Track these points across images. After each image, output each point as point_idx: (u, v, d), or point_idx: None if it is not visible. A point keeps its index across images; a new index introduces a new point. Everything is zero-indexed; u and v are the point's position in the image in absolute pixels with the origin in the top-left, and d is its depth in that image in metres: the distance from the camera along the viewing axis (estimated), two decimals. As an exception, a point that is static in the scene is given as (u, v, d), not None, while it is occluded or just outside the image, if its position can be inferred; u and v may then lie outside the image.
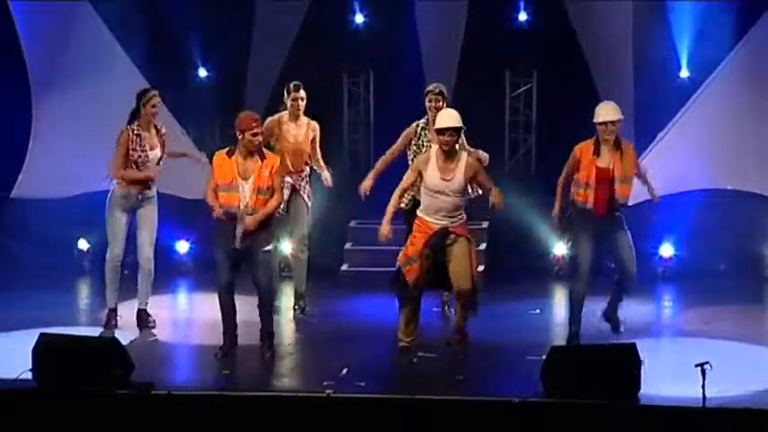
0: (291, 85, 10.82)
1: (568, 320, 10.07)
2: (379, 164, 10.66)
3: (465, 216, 9.39)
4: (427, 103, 10.45)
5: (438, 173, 9.20)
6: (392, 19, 14.34)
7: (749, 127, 13.04)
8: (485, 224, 12.88)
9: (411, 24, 14.23)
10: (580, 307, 9.95)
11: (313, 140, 10.88)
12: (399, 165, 10.43)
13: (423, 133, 10.52)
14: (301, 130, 10.82)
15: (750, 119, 13.04)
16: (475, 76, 14.03)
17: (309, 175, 10.98)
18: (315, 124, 10.93)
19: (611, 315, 10.06)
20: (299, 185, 10.83)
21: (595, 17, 13.86)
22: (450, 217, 9.25)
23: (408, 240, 9.34)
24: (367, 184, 10.52)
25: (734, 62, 13.09)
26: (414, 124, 10.60)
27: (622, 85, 13.59)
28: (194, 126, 14.17)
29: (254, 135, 9.27)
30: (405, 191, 9.61)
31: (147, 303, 10.32)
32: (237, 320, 9.51)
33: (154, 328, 10.28)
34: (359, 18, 14.65)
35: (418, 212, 9.37)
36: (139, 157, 10.11)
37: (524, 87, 14.63)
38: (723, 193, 13.15)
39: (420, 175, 9.30)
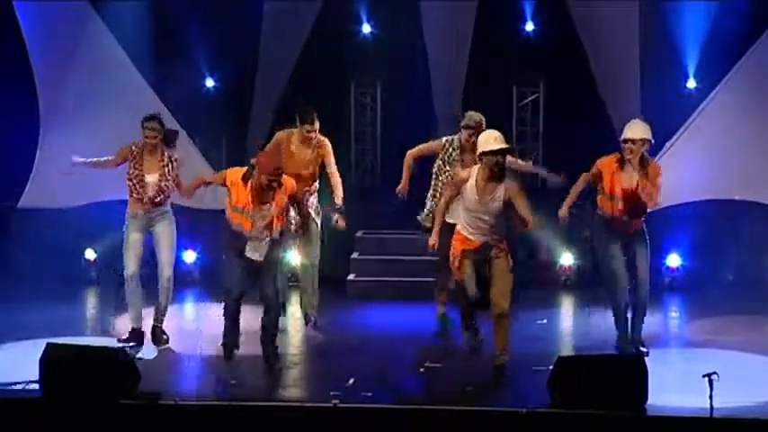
0: (305, 116, 10.51)
1: (616, 329, 9.97)
2: (406, 169, 10.61)
3: (502, 237, 9.27)
4: (462, 131, 10.34)
5: (476, 194, 9.13)
6: (399, 30, 14.34)
7: (756, 137, 13.01)
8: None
9: (418, 35, 14.23)
10: (623, 316, 9.91)
11: (324, 158, 10.65)
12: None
13: (451, 149, 10.44)
14: (309, 151, 10.62)
15: (757, 129, 13.02)
16: (482, 86, 14.02)
17: (318, 191, 10.85)
18: (324, 142, 10.66)
19: (635, 336, 9.94)
20: (306, 200, 10.60)
21: (602, 27, 13.85)
22: (489, 235, 9.21)
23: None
24: (403, 187, 10.56)
25: (741, 72, 13.07)
26: (444, 139, 10.53)
27: (629, 95, 13.59)
28: (201, 137, 14.17)
29: (271, 182, 9.15)
30: (449, 204, 9.53)
31: (162, 321, 10.29)
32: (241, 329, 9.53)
33: (168, 343, 10.25)
34: (366, 28, 14.67)
35: (458, 227, 9.35)
36: (134, 176, 10.09)
37: (531, 97, 14.65)
38: (730, 204, 13.13)
39: (459, 190, 9.25)
